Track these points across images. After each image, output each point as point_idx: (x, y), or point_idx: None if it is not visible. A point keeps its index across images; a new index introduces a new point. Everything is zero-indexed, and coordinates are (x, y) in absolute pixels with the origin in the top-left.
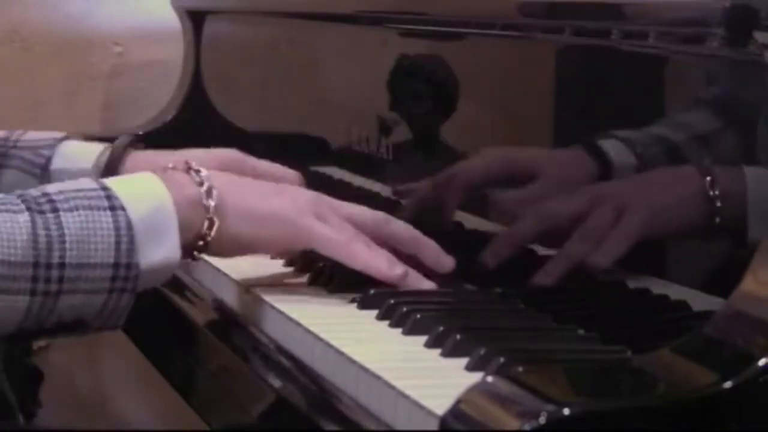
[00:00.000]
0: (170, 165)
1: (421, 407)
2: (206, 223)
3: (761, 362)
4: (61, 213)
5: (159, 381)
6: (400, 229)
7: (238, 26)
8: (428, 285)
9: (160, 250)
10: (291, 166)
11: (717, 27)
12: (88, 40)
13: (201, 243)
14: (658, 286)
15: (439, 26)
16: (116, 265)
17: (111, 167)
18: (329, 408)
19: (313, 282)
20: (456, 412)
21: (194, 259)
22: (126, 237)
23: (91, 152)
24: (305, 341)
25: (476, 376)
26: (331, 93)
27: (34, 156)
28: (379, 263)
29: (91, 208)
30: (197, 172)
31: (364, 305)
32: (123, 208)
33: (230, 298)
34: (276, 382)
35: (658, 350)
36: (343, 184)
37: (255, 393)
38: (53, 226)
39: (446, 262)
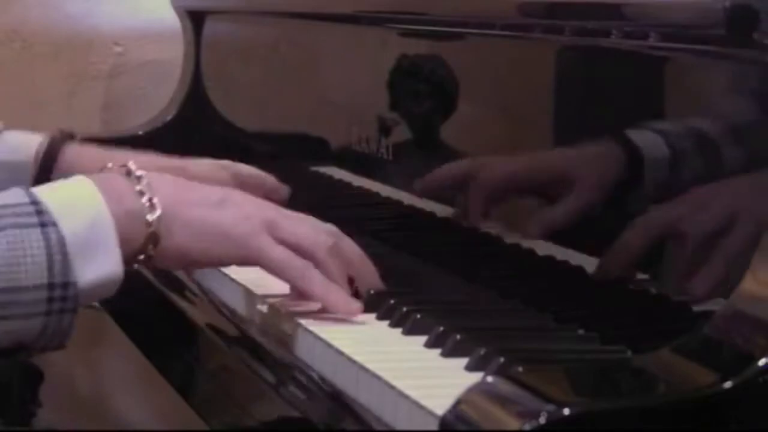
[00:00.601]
0: (109, 165)
1: (421, 407)
2: (147, 238)
3: (761, 362)
4: None
5: (159, 381)
6: (349, 250)
7: (238, 26)
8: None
9: (99, 266)
10: (291, 166)
11: (717, 27)
12: (88, 40)
13: (142, 257)
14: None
15: (439, 26)
16: (51, 286)
17: (47, 159)
18: (329, 408)
19: None
20: (456, 412)
21: (134, 267)
22: (59, 255)
23: (32, 143)
24: (305, 341)
25: (476, 376)
26: (331, 93)
27: None
28: (335, 298)
29: (19, 226)
30: (138, 178)
31: (364, 305)
32: (54, 224)
33: (230, 298)
34: (275, 383)
35: (658, 350)
36: (343, 184)
37: (255, 393)
38: None
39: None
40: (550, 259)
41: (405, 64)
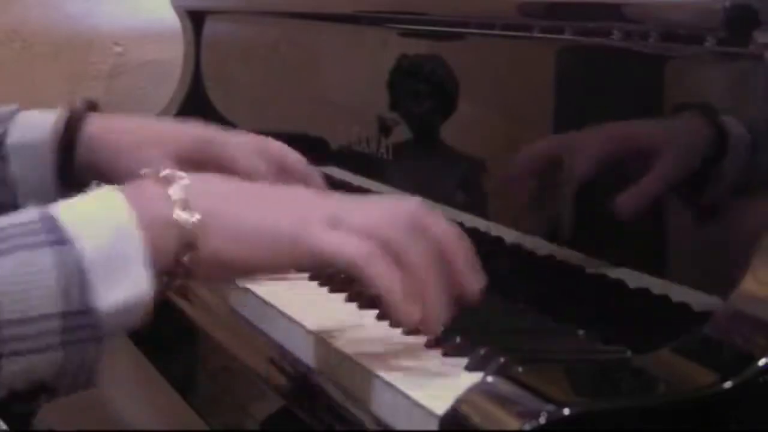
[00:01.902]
0: (143, 171)
1: (421, 407)
2: (181, 247)
3: (761, 362)
4: None
5: (159, 381)
6: (436, 231)
7: (238, 26)
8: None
9: (123, 288)
10: None
11: (717, 27)
12: (88, 40)
13: (180, 270)
14: (658, 287)
15: (439, 26)
16: (65, 315)
17: (67, 137)
18: (329, 408)
19: (313, 277)
20: (456, 412)
21: (171, 288)
22: (75, 279)
23: (48, 120)
24: (305, 341)
25: (476, 376)
26: (331, 93)
27: None
28: (397, 297)
29: (27, 247)
30: (171, 180)
31: (364, 305)
32: (69, 242)
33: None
34: (275, 383)
35: (658, 350)
36: (343, 184)
37: (255, 393)
38: None
39: (475, 284)
40: (550, 259)
41: (405, 64)
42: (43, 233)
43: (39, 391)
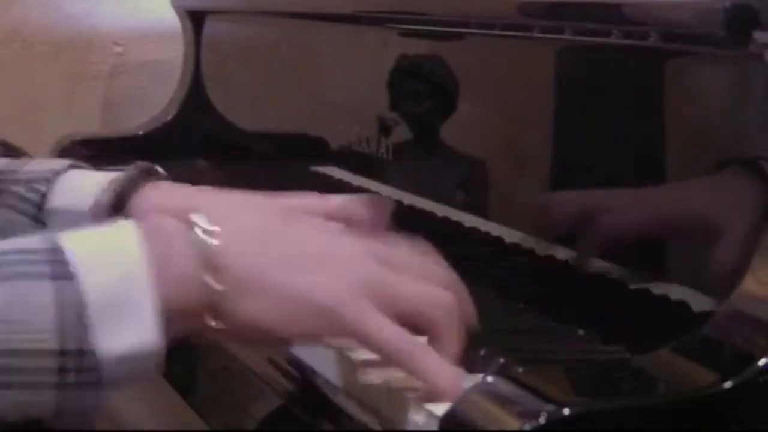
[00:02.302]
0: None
1: (421, 407)
2: (205, 307)
3: (761, 362)
4: None
5: (159, 381)
6: (467, 310)
7: (238, 26)
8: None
9: (129, 334)
10: (291, 166)
11: (717, 27)
12: (88, 40)
13: (210, 325)
14: (658, 287)
15: (439, 26)
16: (63, 353)
17: (117, 209)
18: (329, 408)
19: None
20: (456, 412)
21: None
22: (73, 317)
23: (93, 186)
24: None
25: (476, 376)
26: (331, 93)
27: (28, 192)
28: (446, 381)
29: (25, 276)
30: (204, 229)
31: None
32: (72, 277)
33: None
34: (275, 382)
35: (658, 350)
36: (343, 184)
37: (255, 393)
38: None
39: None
40: (550, 259)
41: (405, 64)
42: (47, 265)
43: (35, 426)
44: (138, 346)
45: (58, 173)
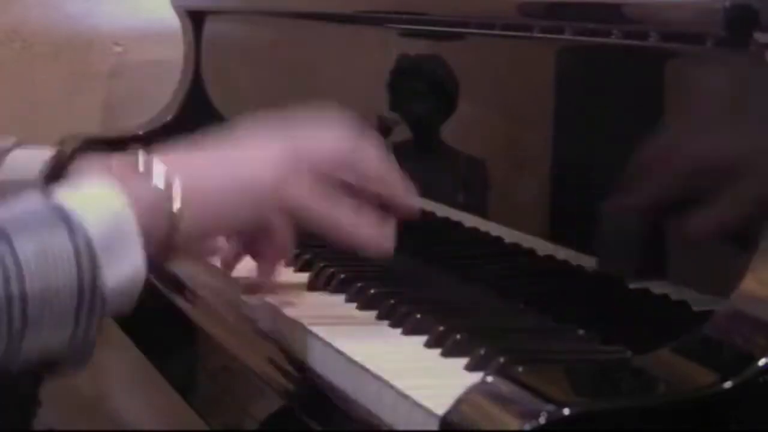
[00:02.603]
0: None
1: (421, 407)
2: (168, 227)
3: (761, 362)
4: (14, 238)
5: (159, 381)
6: (371, 163)
7: (238, 26)
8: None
9: (123, 267)
10: None
11: (717, 27)
12: (88, 40)
13: (163, 249)
14: (658, 287)
15: (439, 26)
16: (80, 291)
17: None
18: (329, 408)
19: (312, 285)
20: (456, 412)
21: (153, 270)
22: (87, 258)
23: (40, 160)
24: (305, 342)
25: (476, 376)
26: (331, 93)
27: None
28: (367, 235)
29: (46, 225)
30: (150, 162)
31: (364, 305)
32: (81, 226)
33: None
34: (275, 382)
35: (658, 350)
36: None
37: (255, 393)
38: (8, 257)
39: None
40: (550, 259)
41: (405, 64)
42: (57, 218)
43: (44, 368)
44: (131, 278)
45: (7, 150)
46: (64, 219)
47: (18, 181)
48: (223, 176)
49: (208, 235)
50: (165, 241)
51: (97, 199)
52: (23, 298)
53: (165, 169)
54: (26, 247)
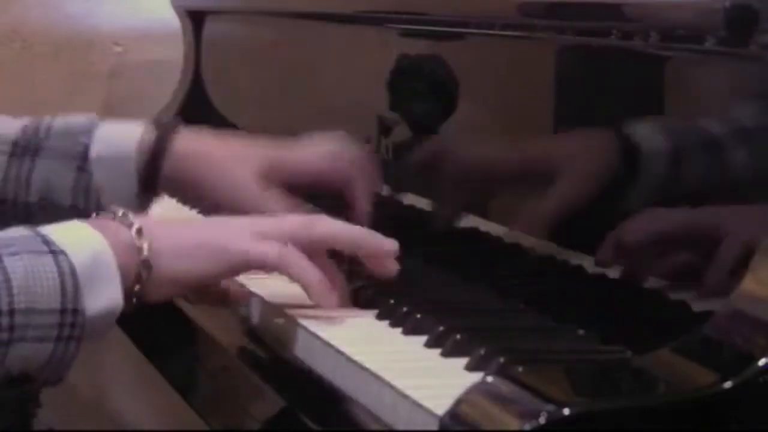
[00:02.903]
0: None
1: (421, 407)
2: (141, 267)
3: (761, 362)
4: (4, 258)
5: (159, 381)
6: (331, 229)
7: (238, 26)
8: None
9: (103, 297)
10: None
11: (717, 27)
12: (88, 40)
13: (138, 288)
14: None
15: (439, 26)
16: (63, 312)
17: (157, 149)
18: (329, 408)
19: None
20: (456, 412)
21: (130, 307)
22: (70, 280)
23: (133, 134)
24: (305, 341)
25: (476, 376)
26: (331, 93)
27: (72, 144)
28: (312, 275)
29: (32, 252)
30: (124, 214)
31: (364, 305)
32: (64, 253)
33: None
34: (275, 383)
35: (658, 350)
36: None
37: (255, 393)
38: None
39: (389, 265)
40: (550, 259)
41: (405, 64)
42: (44, 245)
43: (22, 381)
44: (109, 307)
45: (92, 125)
46: (50, 246)
47: (115, 157)
48: (186, 233)
49: (176, 284)
50: (138, 279)
51: (79, 234)
52: (11, 312)
53: (142, 223)
54: (15, 265)
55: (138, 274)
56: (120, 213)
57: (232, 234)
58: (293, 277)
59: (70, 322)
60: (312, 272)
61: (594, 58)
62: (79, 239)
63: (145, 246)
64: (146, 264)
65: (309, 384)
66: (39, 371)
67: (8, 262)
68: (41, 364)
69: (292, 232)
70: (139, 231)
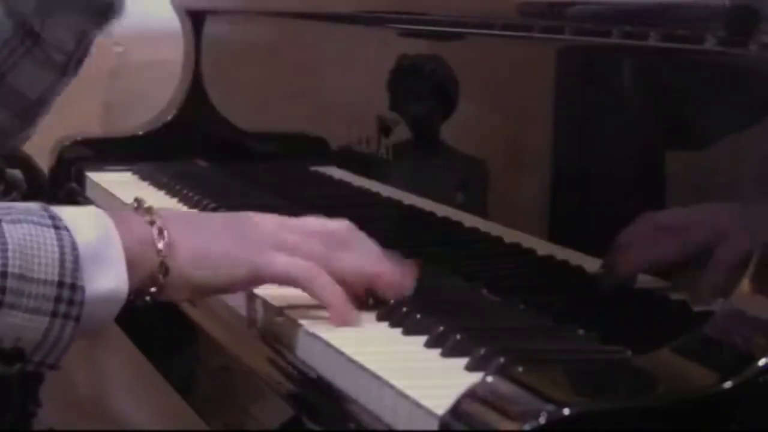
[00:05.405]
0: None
1: (421, 407)
2: (158, 265)
3: (761, 362)
4: (3, 223)
5: (159, 381)
6: (350, 266)
7: (238, 26)
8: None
9: (106, 280)
10: (291, 166)
11: (717, 27)
12: None
13: (154, 288)
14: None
15: (439, 26)
16: (61, 284)
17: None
18: (329, 408)
19: None
20: (456, 412)
21: (144, 303)
22: (71, 256)
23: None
24: (305, 341)
25: (476, 376)
26: (331, 93)
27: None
28: (337, 303)
29: (34, 223)
30: (148, 209)
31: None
32: (67, 229)
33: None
34: (275, 383)
35: (658, 350)
36: (343, 184)
37: (255, 393)
38: None
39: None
40: (550, 259)
41: (405, 64)
42: (49, 219)
43: (15, 357)
44: (111, 291)
45: None
46: (54, 221)
47: None
48: (209, 240)
49: (193, 287)
50: (154, 279)
51: (89, 217)
52: (3, 273)
53: (160, 215)
54: (14, 232)
55: (153, 274)
56: (145, 205)
57: (256, 245)
58: (316, 296)
59: (67, 297)
60: (335, 292)
61: (594, 58)
62: (87, 221)
63: (162, 246)
64: (164, 266)
65: (309, 384)
66: (34, 349)
67: (7, 227)
68: (37, 341)
69: (319, 253)
70: (161, 231)
